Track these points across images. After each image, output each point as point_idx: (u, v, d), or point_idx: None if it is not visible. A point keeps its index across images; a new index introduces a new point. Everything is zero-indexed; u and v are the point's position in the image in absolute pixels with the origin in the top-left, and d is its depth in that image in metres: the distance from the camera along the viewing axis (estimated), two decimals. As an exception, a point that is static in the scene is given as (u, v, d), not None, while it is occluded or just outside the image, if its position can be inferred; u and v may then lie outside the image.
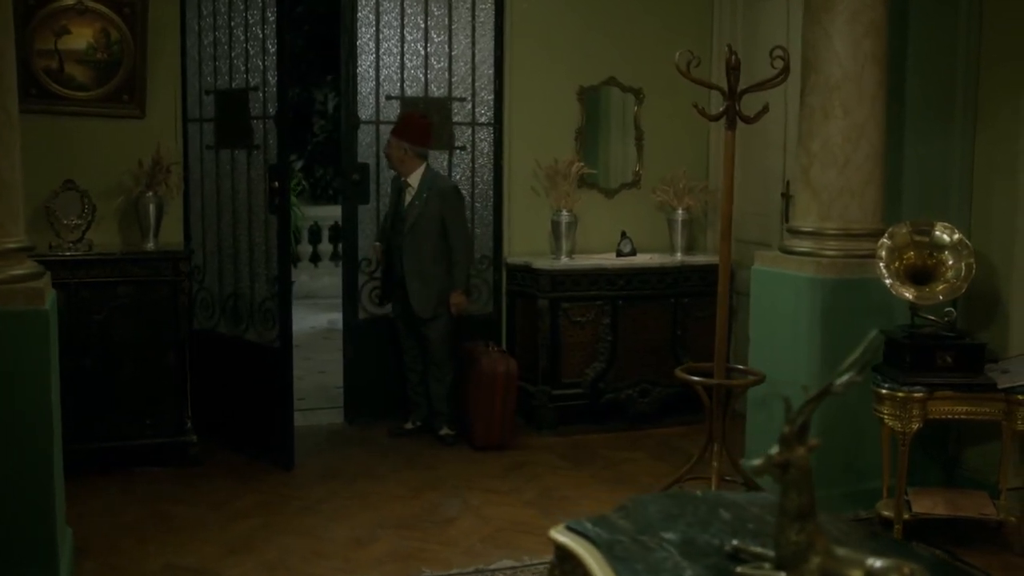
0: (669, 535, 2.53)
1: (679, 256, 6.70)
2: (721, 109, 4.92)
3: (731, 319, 6.74)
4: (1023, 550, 4.51)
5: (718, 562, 2.39)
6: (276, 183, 5.49)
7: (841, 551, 2.21)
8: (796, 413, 2.21)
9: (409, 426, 6.26)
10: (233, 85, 5.76)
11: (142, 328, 5.50)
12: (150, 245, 5.64)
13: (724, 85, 4.96)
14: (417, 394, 6.23)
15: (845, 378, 2.23)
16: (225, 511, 4.97)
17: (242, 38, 5.67)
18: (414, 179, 5.98)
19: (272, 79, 5.49)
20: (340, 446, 6.08)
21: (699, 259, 6.69)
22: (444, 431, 6.13)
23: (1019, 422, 4.48)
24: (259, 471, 5.55)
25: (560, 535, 2.62)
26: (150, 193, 5.65)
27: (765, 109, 4.96)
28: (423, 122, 6.09)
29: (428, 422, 6.24)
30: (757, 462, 2.26)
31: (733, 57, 4.85)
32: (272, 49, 5.46)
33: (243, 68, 5.68)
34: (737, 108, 4.88)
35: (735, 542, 2.44)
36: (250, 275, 5.80)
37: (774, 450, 2.24)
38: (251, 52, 5.62)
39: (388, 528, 4.79)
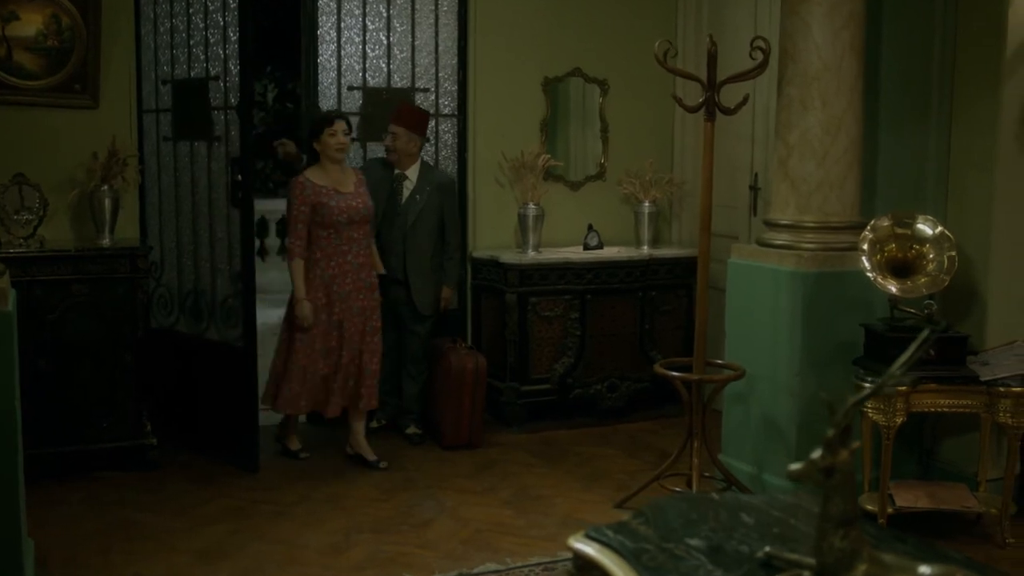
0: (695, 542, 2.44)
1: (646, 249, 6.63)
2: (700, 100, 4.84)
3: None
4: (1004, 542, 4.52)
5: (752, 570, 2.31)
6: (239, 176, 5.30)
7: (888, 557, 2.14)
8: (841, 416, 2.13)
9: (374, 424, 6.09)
10: (192, 75, 5.54)
11: (98, 327, 5.27)
12: (106, 241, 5.41)
13: (693, 75, 4.92)
14: (384, 392, 6.06)
15: (897, 377, 2.13)
16: (192, 517, 4.77)
17: (201, 25, 5.44)
18: (412, 172, 5.85)
19: (234, 68, 5.27)
20: (305, 447, 5.90)
21: (666, 252, 6.63)
22: (411, 430, 5.99)
23: (1000, 414, 4.48)
24: (223, 474, 5.36)
25: (580, 544, 2.52)
26: (105, 187, 5.41)
27: (744, 100, 4.90)
28: (424, 113, 6.01)
29: (394, 420, 6.09)
30: (798, 467, 2.18)
31: (713, 47, 4.78)
32: (234, 37, 5.24)
33: (203, 57, 5.46)
34: (716, 99, 4.81)
35: (767, 548, 2.36)
36: (211, 271, 5.59)
37: (816, 454, 2.16)
38: (211, 40, 5.39)
39: (364, 532, 4.65)
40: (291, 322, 5.45)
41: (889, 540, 2.43)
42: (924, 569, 2.07)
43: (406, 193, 5.85)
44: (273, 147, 5.88)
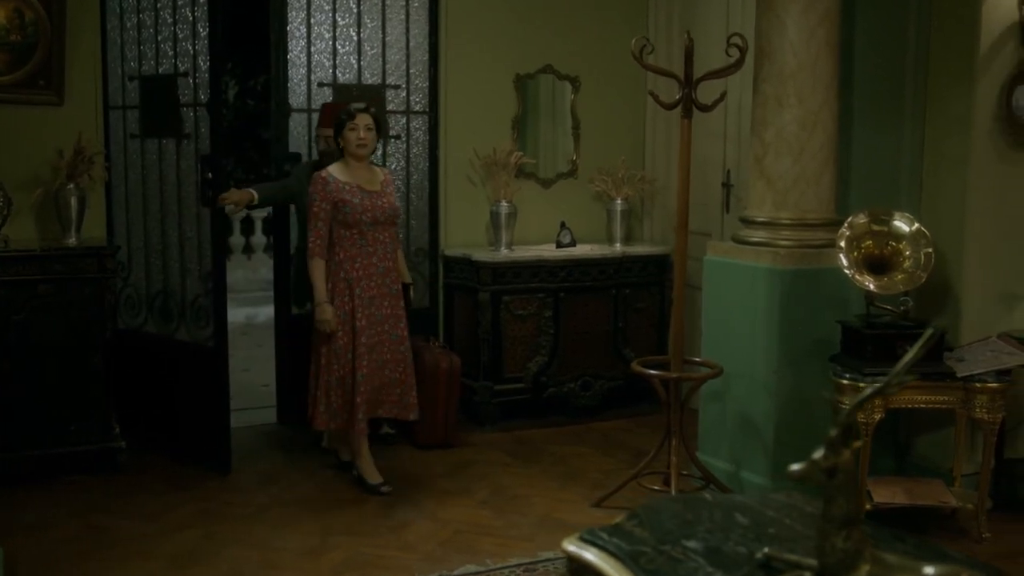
0: (691, 544, 2.41)
1: (618, 247, 6.61)
2: (677, 97, 4.82)
3: (669, 309, 6.72)
4: (981, 536, 4.55)
5: (751, 572, 2.28)
6: (210, 174, 5.21)
7: (891, 558, 2.12)
8: (845, 415, 2.11)
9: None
10: (160, 71, 5.45)
11: (65, 329, 5.17)
12: (72, 240, 5.30)
13: (670, 72, 4.89)
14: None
15: (901, 377, 2.11)
16: (164, 522, 4.68)
17: (169, 21, 5.35)
18: None
19: (204, 64, 5.18)
20: (276, 448, 5.82)
21: (639, 249, 6.62)
22: (385, 429, 5.91)
23: (977, 409, 4.50)
24: (194, 477, 5.27)
25: (575, 547, 2.48)
26: (71, 185, 5.30)
27: (722, 97, 4.90)
28: None
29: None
30: (800, 467, 2.16)
31: (690, 44, 4.77)
32: (204, 32, 5.16)
33: (171, 53, 5.37)
34: (694, 96, 4.79)
35: (766, 549, 2.33)
36: (181, 271, 5.50)
37: (818, 454, 2.14)
38: (180, 36, 5.31)
39: (340, 535, 4.58)
40: (318, 330, 5.03)
41: (888, 539, 2.41)
42: (928, 569, 2.05)
43: None
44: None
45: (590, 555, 2.41)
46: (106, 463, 5.27)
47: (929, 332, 2.12)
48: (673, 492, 4.78)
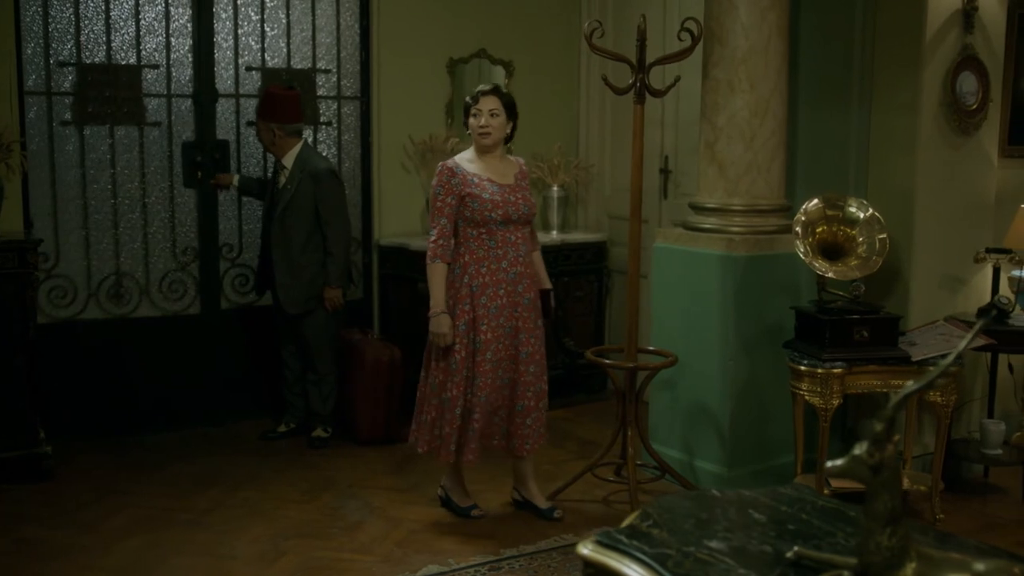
0: (715, 544, 2.32)
1: (555, 234, 6.51)
2: (630, 82, 4.73)
3: (606, 297, 6.69)
4: (935, 517, 4.60)
5: (785, 572, 2.20)
6: (199, 158, 5.66)
7: (938, 554, 2.07)
8: (891, 408, 2.04)
9: (283, 428, 5.76)
10: (114, 60, 5.49)
11: (-17, 329, 4.85)
12: (-11, 234, 4.98)
13: (623, 57, 4.81)
14: (293, 394, 5.75)
15: (945, 367, 2.06)
16: (102, 531, 4.41)
17: (130, 8, 5.42)
18: (289, 160, 5.47)
19: (184, 54, 5.52)
20: (209, 449, 5.55)
21: (577, 237, 6.54)
22: (317, 432, 5.66)
23: (931, 393, 4.54)
24: (126, 480, 5.01)
25: (592, 552, 2.36)
26: (-14, 175, 4.97)
27: (676, 82, 4.83)
28: (290, 95, 5.49)
29: (304, 424, 5.78)
30: (840, 464, 2.09)
31: (643, 25, 4.68)
32: (184, 24, 5.47)
33: (135, 42, 5.51)
34: (647, 81, 4.72)
35: (796, 548, 2.26)
36: (144, 251, 5.72)
37: (860, 450, 2.07)
38: (156, 27, 5.51)
39: (291, 539, 4.38)
40: (431, 345, 4.49)
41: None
42: (979, 566, 2.00)
43: (282, 181, 5.51)
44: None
45: (612, 561, 2.29)
46: (31, 470, 4.95)
47: (979, 324, 2.07)
48: (630, 483, 4.71)
